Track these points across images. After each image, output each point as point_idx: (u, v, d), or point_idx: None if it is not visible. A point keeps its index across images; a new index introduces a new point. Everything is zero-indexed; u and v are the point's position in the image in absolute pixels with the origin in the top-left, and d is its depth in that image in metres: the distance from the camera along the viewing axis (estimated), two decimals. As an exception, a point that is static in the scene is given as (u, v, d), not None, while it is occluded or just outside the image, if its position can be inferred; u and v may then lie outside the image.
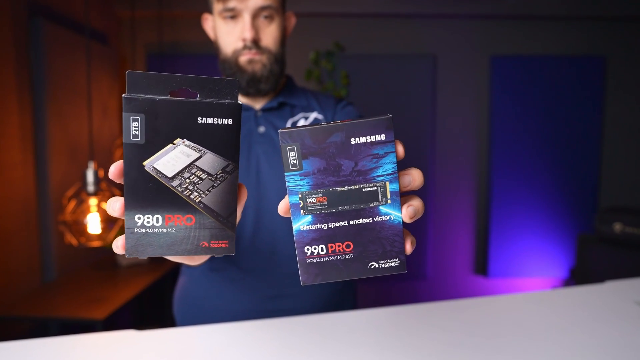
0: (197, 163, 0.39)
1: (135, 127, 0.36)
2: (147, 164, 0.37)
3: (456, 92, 3.28)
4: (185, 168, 0.39)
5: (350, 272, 0.40)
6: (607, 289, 1.03)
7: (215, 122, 0.38)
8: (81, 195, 1.58)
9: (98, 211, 1.60)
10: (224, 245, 0.41)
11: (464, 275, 3.42)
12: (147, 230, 0.39)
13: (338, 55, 3.15)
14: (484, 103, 3.29)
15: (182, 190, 0.39)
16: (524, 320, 0.86)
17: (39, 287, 2.15)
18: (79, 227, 1.61)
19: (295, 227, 0.39)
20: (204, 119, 0.38)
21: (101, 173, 1.57)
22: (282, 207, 0.40)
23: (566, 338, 0.79)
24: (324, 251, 0.39)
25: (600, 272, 2.67)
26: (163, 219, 0.39)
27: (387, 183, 0.38)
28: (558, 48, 3.26)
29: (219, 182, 0.40)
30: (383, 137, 0.37)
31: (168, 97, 0.37)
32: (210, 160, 0.39)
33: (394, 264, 0.40)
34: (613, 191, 3.38)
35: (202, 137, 0.38)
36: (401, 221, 0.38)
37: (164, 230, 0.39)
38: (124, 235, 0.40)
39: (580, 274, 2.78)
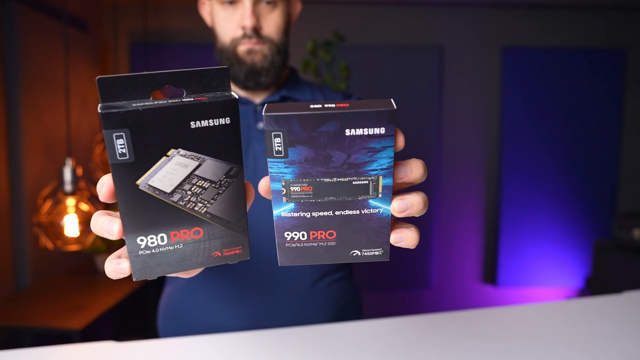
0: (197, 172, 0.37)
1: (120, 144, 0.34)
2: (141, 182, 0.36)
3: (464, 86, 3.29)
4: (184, 180, 0.37)
5: (331, 257, 0.41)
6: (625, 300, 1.04)
7: (211, 124, 0.36)
8: (58, 195, 1.58)
9: (76, 212, 1.59)
10: (237, 251, 0.41)
11: (471, 284, 3.42)
12: (153, 250, 0.38)
13: (337, 46, 3.16)
14: (494, 98, 3.31)
15: (185, 204, 0.38)
16: (536, 333, 0.87)
17: (11, 294, 2.14)
18: (55, 230, 1.60)
19: (275, 212, 0.39)
20: (198, 122, 0.36)
21: (79, 171, 1.57)
22: (263, 187, 0.39)
23: (581, 352, 0.80)
24: (305, 237, 0.40)
25: (618, 282, 2.68)
26: (168, 237, 0.38)
27: (380, 177, 0.37)
28: (574, 40, 3.28)
29: (224, 188, 0.38)
30: (382, 130, 0.35)
31: (152, 101, 0.35)
32: (211, 167, 0.38)
33: (377, 253, 0.41)
34: (632, 194, 3.40)
35: (199, 143, 0.36)
36: (390, 214, 0.39)
37: (171, 248, 0.38)
38: (116, 253, 0.39)
39: (597, 283, 2.79)
